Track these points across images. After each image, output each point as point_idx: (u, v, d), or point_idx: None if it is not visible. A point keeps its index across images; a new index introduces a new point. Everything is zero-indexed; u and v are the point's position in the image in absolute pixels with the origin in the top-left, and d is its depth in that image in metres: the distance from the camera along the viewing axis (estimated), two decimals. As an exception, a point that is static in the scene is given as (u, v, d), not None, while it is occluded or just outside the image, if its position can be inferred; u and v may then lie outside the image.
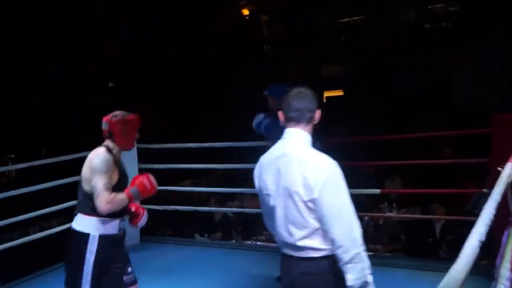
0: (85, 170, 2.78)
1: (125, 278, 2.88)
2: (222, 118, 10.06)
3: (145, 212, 3.05)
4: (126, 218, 2.94)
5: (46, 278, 4.58)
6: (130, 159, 5.35)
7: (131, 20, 9.68)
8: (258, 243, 5.51)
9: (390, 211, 5.95)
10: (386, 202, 6.02)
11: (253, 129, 3.90)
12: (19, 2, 8.38)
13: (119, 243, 2.88)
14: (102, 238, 2.77)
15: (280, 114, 2.04)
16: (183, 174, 7.47)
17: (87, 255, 2.74)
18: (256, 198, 6.67)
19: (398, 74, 9.57)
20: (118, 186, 2.79)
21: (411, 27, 10.03)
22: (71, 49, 9.23)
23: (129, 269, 2.93)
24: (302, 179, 1.89)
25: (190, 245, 5.40)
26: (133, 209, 2.97)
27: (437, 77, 9.33)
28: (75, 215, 2.84)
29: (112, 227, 2.80)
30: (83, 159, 3.05)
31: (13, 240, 4.64)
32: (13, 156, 8.27)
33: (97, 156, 2.75)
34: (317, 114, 2.03)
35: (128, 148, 2.93)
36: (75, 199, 4.82)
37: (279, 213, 1.97)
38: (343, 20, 11.03)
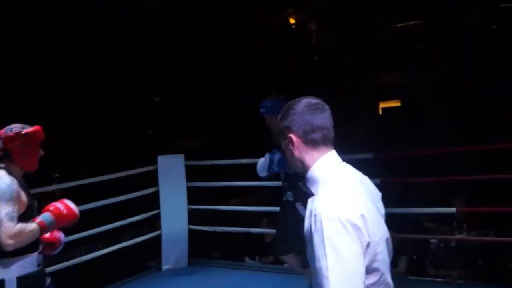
0: None
1: None
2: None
3: (62, 239, 2.62)
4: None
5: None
6: (178, 177, 5.27)
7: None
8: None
9: (460, 233, 5.57)
10: (455, 223, 5.64)
11: (261, 176, 3.41)
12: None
13: (43, 280, 2.49)
14: (22, 280, 2.34)
15: (295, 138, 1.55)
16: (230, 193, 7.34)
17: None
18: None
19: (461, 82, 9.12)
20: (27, 214, 2.40)
21: (476, 29, 9.56)
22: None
23: None
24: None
25: (241, 269, 5.23)
26: (47, 236, 2.54)
27: (507, 86, 8.82)
28: None
29: (31, 263, 2.39)
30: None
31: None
32: (57, 175, 8.42)
33: None
34: None
35: (30, 169, 2.48)
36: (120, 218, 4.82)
37: (386, 251, 1.52)
38: (399, 25, 10.67)
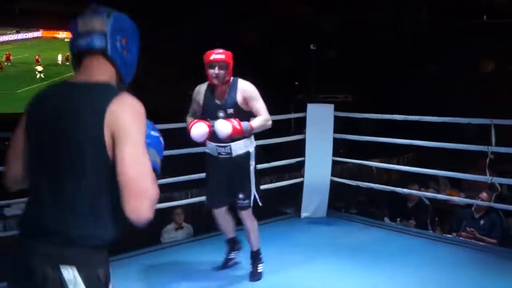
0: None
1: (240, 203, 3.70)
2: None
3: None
4: (229, 145, 3.59)
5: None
6: (326, 126, 5.48)
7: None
8: (461, 238, 5.26)
9: None
10: None
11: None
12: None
13: (217, 162, 3.68)
14: (206, 153, 3.78)
15: None
16: (372, 153, 7.43)
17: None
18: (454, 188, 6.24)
19: None
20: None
21: None
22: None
23: (241, 195, 3.67)
24: None
25: (381, 228, 5.38)
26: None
27: None
28: None
29: (210, 148, 3.70)
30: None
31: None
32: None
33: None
34: None
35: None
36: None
37: None
38: None
